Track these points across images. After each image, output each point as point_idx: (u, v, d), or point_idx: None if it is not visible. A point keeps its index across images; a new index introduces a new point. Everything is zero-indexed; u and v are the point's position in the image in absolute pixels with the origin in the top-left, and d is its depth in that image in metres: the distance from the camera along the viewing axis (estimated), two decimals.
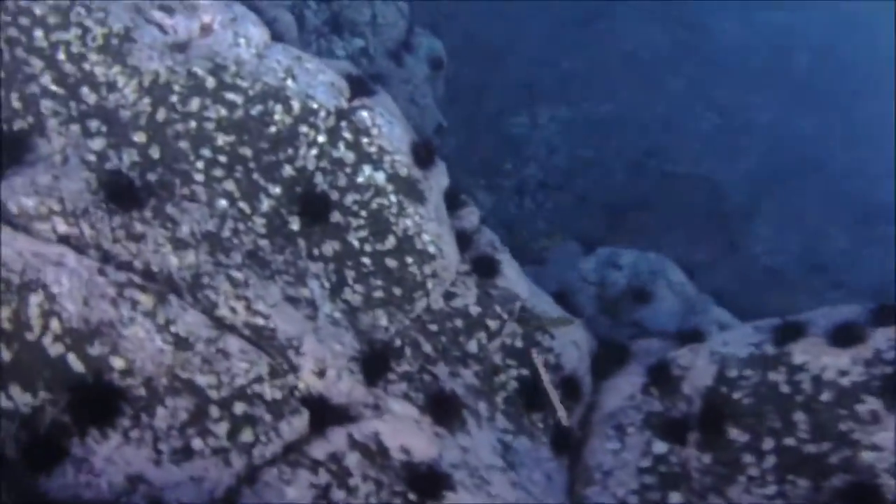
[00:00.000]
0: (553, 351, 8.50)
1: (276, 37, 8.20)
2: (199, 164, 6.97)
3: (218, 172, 7.05)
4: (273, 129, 7.48)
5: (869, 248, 22.90)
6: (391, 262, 7.75)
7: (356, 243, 7.63)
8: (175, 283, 6.34)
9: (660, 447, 7.41)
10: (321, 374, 6.61)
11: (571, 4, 30.24)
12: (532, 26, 29.46)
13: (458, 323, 8.10)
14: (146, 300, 6.02)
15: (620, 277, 12.92)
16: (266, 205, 7.24)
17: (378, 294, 7.55)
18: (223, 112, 7.22)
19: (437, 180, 8.51)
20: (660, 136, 25.76)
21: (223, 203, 6.96)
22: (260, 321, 6.53)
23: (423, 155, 8.29)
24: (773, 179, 24.98)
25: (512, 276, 8.85)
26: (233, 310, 6.46)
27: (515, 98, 27.04)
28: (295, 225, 7.36)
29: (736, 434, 6.99)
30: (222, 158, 7.10)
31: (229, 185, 7.06)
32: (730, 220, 22.95)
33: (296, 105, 7.65)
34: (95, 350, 5.74)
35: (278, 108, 7.54)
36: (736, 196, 23.68)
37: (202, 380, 6.03)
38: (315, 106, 7.76)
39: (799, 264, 22.05)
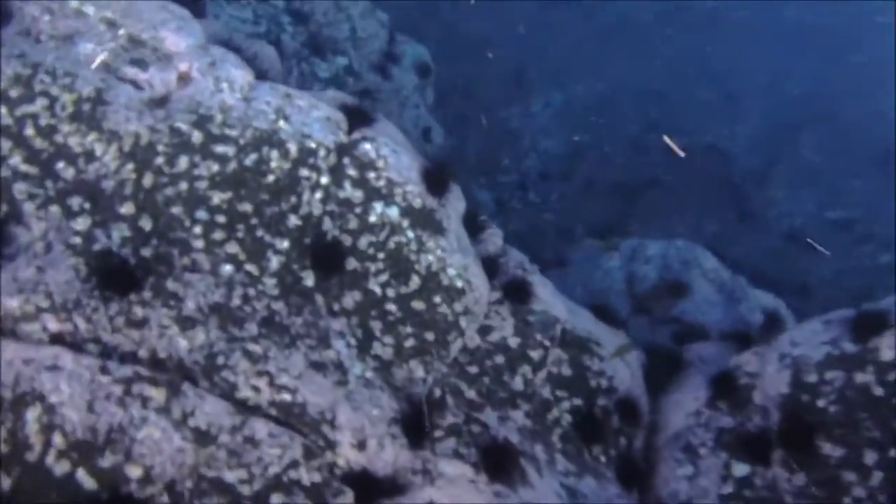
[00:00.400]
0: (604, 374, 7.82)
1: (261, 75, 7.49)
2: (197, 229, 6.28)
3: (218, 235, 6.37)
4: (271, 177, 6.79)
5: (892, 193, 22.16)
6: (418, 305, 7.07)
7: (378, 290, 6.95)
8: (187, 368, 5.67)
9: (740, 469, 6.74)
10: (361, 445, 5.94)
11: None
12: (513, 13, 28.70)
13: (499, 359, 7.42)
14: (158, 394, 5.35)
15: (650, 271, 12.23)
16: (275, 262, 6.56)
17: (409, 343, 6.87)
18: (215, 167, 6.53)
19: (454, 206, 7.82)
20: (657, 109, 25.02)
21: (228, 269, 6.28)
22: (286, 397, 5.86)
23: (435, 181, 7.59)
24: (780, 138, 24.23)
25: (547, 297, 8.17)
26: (255, 389, 5.79)
27: (505, 90, 26.32)
28: (309, 280, 6.68)
29: (829, 448, 6.29)
30: (221, 219, 6.42)
31: (232, 248, 6.38)
32: (742, 188, 22.24)
33: (292, 147, 6.95)
34: (107, 461, 5.07)
35: (274, 153, 6.85)
36: (744, 161, 22.95)
37: (231, 476, 5.36)
38: (313, 145, 7.06)
39: (820, 223, 21.35)
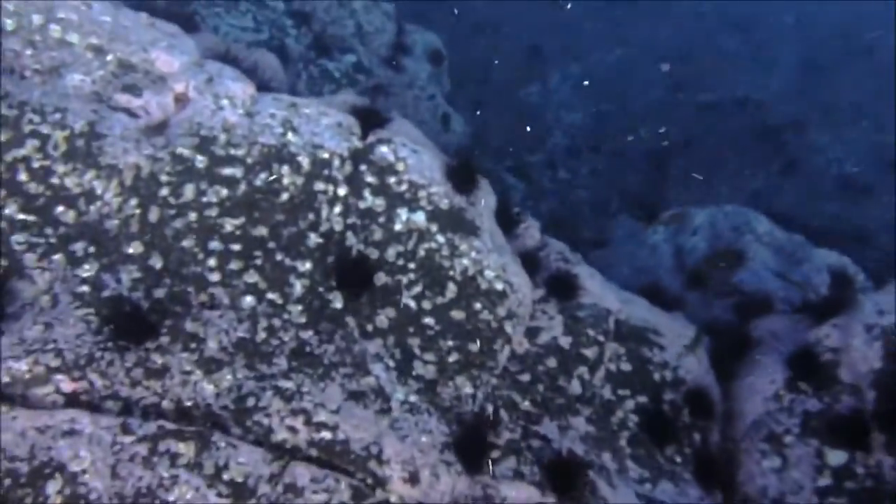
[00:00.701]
0: (668, 365, 7.18)
1: (263, 86, 6.98)
2: (212, 262, 5.80)
3: (235, 265, 5.88)
4: (285, 195, 6.27)
5: None
6: (458, 315, 6.51)
7: (412, 304, 6.40)
8: (216, 415, 5.20)
9: (836, 457, 6.07)
10: (414, 478, 5.42)
11: None
12: None
13: (552, 362, 6.83)
14: (186, 449, 4.89)
15: (699, 242, 11.48)
16: (299, 287, 6.05)
17: (453, 357, 6.32)
18: (224, 192, 6.04)
19: (485, 202, 7.22)
20: (683, 67, 23.96)
21: (250, 300, 5.79)
22: (326, 435, 5.36)
23: (461, 177, 7.01)
24: (816, 80, 23.02)
25: (595, 287, 7.54)
26: (292, 430, 5.30)
27: (521, 68, 25.53)
28: (338, 302, 6.16)
29: None
30: (236, 247, 5.93)
31: (252, 277, 5.89)
32: (781, 137, 21.13)
33: (304, 160, 6.42)
34: None
35: (285, 169, 6.33)
36: (782, 109, 21.81)
37: None
38: (326, 156, 6.53)
39: (871, 164, 20.18)
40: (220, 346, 5.45)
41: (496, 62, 25.45)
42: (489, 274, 6.73)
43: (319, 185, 6.45)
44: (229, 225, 5.96)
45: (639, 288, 9.06)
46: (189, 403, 5.15)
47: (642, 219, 14.32)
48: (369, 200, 6.59)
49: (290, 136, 6.46)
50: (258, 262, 5.97)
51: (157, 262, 5.68)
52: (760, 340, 7.65)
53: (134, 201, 5.82)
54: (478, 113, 22.62)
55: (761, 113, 21.66)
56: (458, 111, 19.21)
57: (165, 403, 5.14)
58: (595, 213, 20.04)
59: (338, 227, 6.43)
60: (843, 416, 6.18)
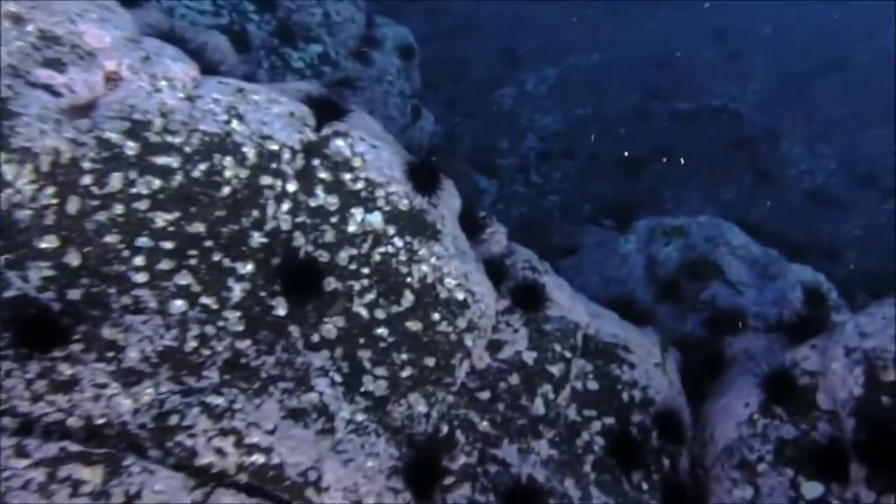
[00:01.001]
0: (637, 384, 6.73)
1: (210, 68, 6.38)
2: (139, 260, 5.19)
3: (165, 264, 5.27)
4: (227, 189, 5.68)
5: None
6: (414, 325, 5.98)
7: (364, 312, 5.86)
8: (132, 435, 4.60)
9: (812, 489, 5.67)
10: None
11: None
12: None
13: (514, 379, 6.33)
14: (92, 475, 4.28)
15: (671, 252, 11.10)
16: (238, 291, 5.46)
17: (406, 372, 5.79)
18: (157, 183, 5.42)
19: (448, 204, 6.71)
20: (659, 74, 23.73)
21: (180, 304, 5.19)
22: (259, 458, 4.79)
23: (423, 177, 6.48)
24: (791, 92, 22.96)
25: (563, 299, 7.06)
26: (219, 452, 4.72)
27: (497, 69, 25.13)
28: (281, 308, 5.58)
29: None
30: (168, 244, 5.32)
31: (184, 278, 5.29)
32: (755, 148, 20.98)
33: (250, 152, 5.84)
34: None
35: (228, 160, 5.74)
36: (756, 119, 21.68)
37: None
38: (275, 147, 5.95)
39: (843, 179, 20.12)
40: (142, 356, 4.85)
41: (471, 63, 25.01)
42: (450, 282, 6.22)
43: (266, 180, 5.87)
44: (161, 220, 5.35)
45: (609, 299, 8.63)
46: (101, 421, 4.54)
47: (614, 227, 13.92)
48: (321, 198, 6.03)
49: (235, 124, 5.86)
50: (192, 262, 5.37)
51: (73, 260, 5.05)
52: (734, 359, 7.25)
53: (51, 190, 5.17)
54: (457, 120, 22.15)
55: (736, 123, 21.51)
56: (431, 111, 18.69)
57: (72, 421, 4.53)
58: (566, 218, 19.68)
59: (285, 227, 5.86)
60: (821, 444, 5.78)
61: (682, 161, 20.02)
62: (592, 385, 6.60)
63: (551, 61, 25.16)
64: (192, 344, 5.09)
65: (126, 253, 5.17)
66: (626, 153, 20.85)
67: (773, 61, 24.12)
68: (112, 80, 5.62)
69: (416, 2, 25.81)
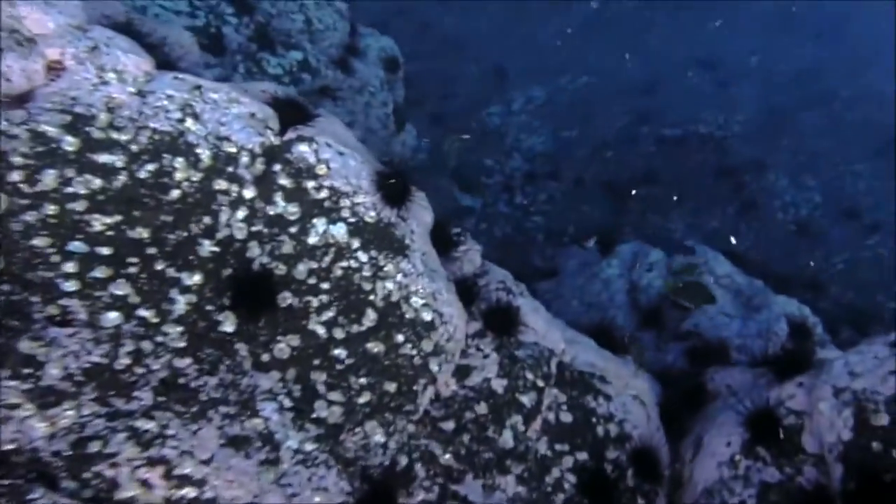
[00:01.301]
0: (613, 418, 6.30)
1: (168, 64, 5.96)
2: (69, 266, 4.71)
3: (101, 272, 4.79)
4: (176, 192, 5.23)
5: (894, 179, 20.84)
6: (375, 347, 5.53)
7: (321, 331, 5.40)
8: (44, 463, 4.09)
9: None
10: None
11: None
12: (488, 7, 27.31)
13: (482, 409, 5.89)
14: None
15: (655, 279, 10.75)
16: (182, 303, 4.99)
17: (364, 398, 5.33)
18: (97, 182, 4.96)
19: (419, 217, 6.29)
20: (647, 99, 23.60)
21: (114, 317, 4.71)
22: (190, 492, 4.30)
23: (393, 188, 6.06)
24: (777, 123, 22.87)
25: (538, 324, 6.65)
26: (145, 484, 4.22)
27: (484, 87, 24.92)
28: (229, 324, 5.12)
29: None
30: (105, 250, 4.85)
31: (121, 288, 4.81)
32: (740, 178, 20.82)
33: (204, 153, 5.40)
34: None
35: (179, 161, 5.29)
36: (742, 149, 21.55)
37: None
38: (232, 150, 5.52)
39: (827, 212, 19.95)
40: (64, 373, 4.36)
41: (459, 80, 24.79)
42: (416, 301, 5.79)
43: (221, 184, 5.42)
44: (99, 223, 4.88)
45: (589, 326, 8.23)
46: (9, 447, 4.04)
47: (595, 248, 13.57)
48: (281, 206, 5.59)
49: (189, 123, 5.43)
50: (132, 270, 4.90)
51: None
52: (716, 394, 6.85)
53: None
54: (442, 135, 21.83)
55: (722, 151, 21.38)
56: (416, 126, 18.36)
57: None
58: (550, 241, 19.34)
59: (239, 235, 5.40)
60: (806, 490, 5.38)
61: (672, 192, 19.80)
62: (566, 417, 6.17)
63: (539, 82, 24.99)
64: (125, 361, 4.61)
65: (56, 258, 4.69)
66: (611, 177, 20.66)
67: (760, 92, 24.10)
68: (54, 69, 5.17)
69: (407, 19, 25.63)
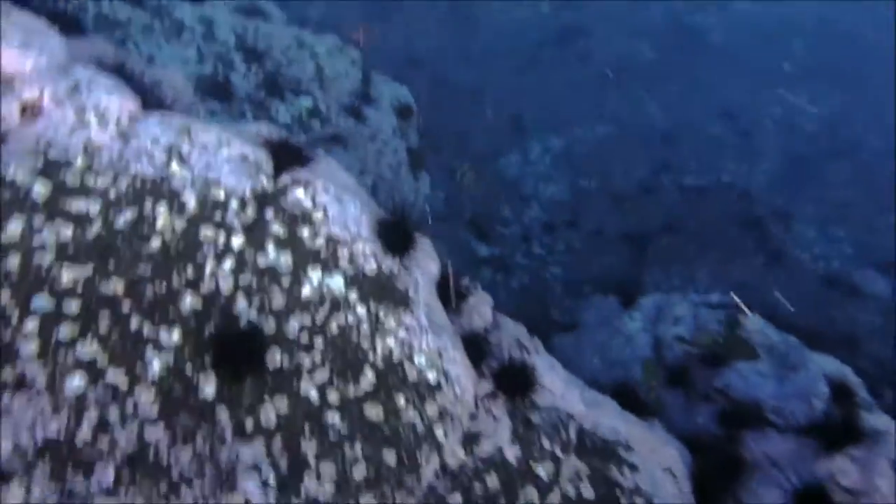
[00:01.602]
0: (641, 492, 5.64)
1: (159, 105, 5.60)
2: (31, 325, 4.25)
3: (67, 331, 4.32)
4: (156, 242, 4.79)
5: None
6: (374, 412, 4.98)
7: (314, 394, 4.87)
8: None
9: None
10: None
11: (542, 26, 28.20)
12: (504, 58, 27.34)
13: (493, 482, 5.26)
14: None
15: (682, 334, 10.09)
16: (157, 365, 4.49)
17: (360, 470, 4.75)
18: (68, 232, 4.54)
19: (424, 268, 5.80)
20: (667, 149, 23.23)
21: (79, 382, 4.22)
22: None
23: (396, 235, 5.60)
24: (802, 173, 22.33)
25: (556, 384, 6.06)
26: None
27: (501, 137, 24.73)
28: (209, 387, 4.60)
29: None
30: (73, 306, 4.39)
31: (89, 348, 4.33)
32: (766, 228, 20.19)
33: (190, 199, 4.98)
34: None
35: (162, 208, 4.88)
36: (766, 199, 20.98)
37: None
38: (221, 195, 5.10)
39: (857, 264, 19.20)
40: (14, 448, 3.85)
41: (475, 129, 24.64)
42: (420, 360, 5.26)
43: (207, 232, 4.98)
44: (68, 276, 4.44)
45: (611, 385, 7.62)
46: None
47: (620, 301, 12.94)
48: (272, 256, 5.14)
49: (175, 166, 5.03)
50: (103, 328, 4.42)
51: None
52: (755, 464, 6.15)
53: None
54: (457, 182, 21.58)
55: (746, 201, 20.82)
56: (432, 175, 18.06)
57: None
58: (568, 292, 18.75)
59: (225, 288, 4.93)
60: None
61: (695, 243, 19.22)
62: (587, 491, 5.51)
63: (556, 131, 24.76)
64: (86, 433, 4.09)
65: (16, 315, 4.23)
66: (632, 228, 20.15)
67: (783, 142, 23.66)
68: (30, 111, 4.83)
69: (423, 70, 25.71)
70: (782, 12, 28.19)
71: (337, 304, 5.16)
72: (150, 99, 5.58)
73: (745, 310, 10.30)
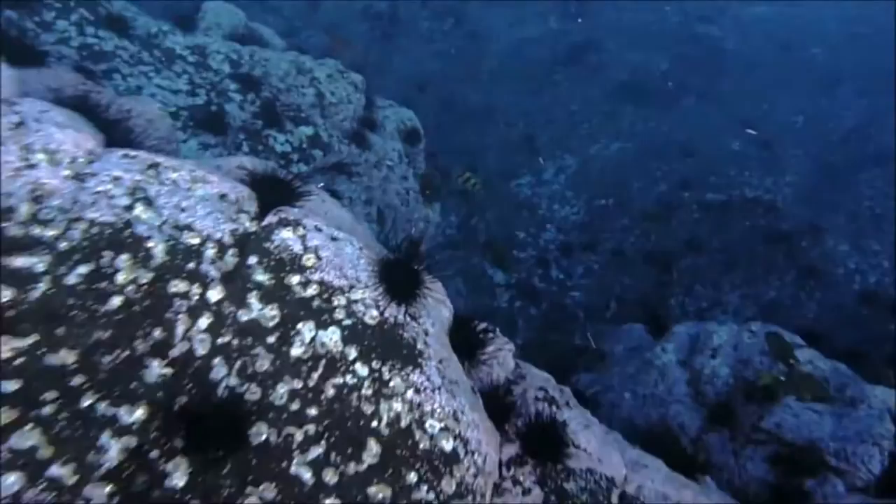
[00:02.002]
0: None
1: (122, 139, 4.91)
2: None
3: (2, 418, 3.57)
4: (117, 300, 4.05)
5: None
6: (379, 492, 4.18)
7: (307, 475, 4.08)
8: None
9: None
10: None
11: (552, 43, 27.61)
12: (514, 77, 26.75)
13: None
14: None
15: (720, 367, 9.21)
16: (115, 451, 3.73)
17: None
18: (6, 294, 3.81)
19: (435, 314, 5.02)
20: (685, 164, 22.39)
21: (12, 480, 3.45)
22: None
23: (401, 279, 4.83)
24: (830, 185, 21.38)
25: (591, 443, 5.22)
26: None
27: (513, 158, 24.05)
28: (179, 476, 3.82)
29: None
30: (10, 386, 3.64)
31: (28, 438, 3.57)
32: (795, 243, 19.22)
33: (157, 247, 4.25)
34: None
35: (123, 259, 4.14)
36: (795, 212, 20.03)
37: None
38: (195, 241, 4.37)
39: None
40: None
41: (487, 150, 23.97)
42: (433, 425, 4.46)
43: (178, 285, 4.24)
44: (7, 349, 3.70)
45: (648, 431, 6.76)
46: None
47: (648, 329, 12.08)
48: (256, 310, 4.38)
49: (139, 210, 4.31)
50: (47, 410, 3.67)
51: None
52: None
53: None
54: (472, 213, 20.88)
55: (773, 216, 19.91)
56: (443, 201, 17.37)
57: None
58: (591, 318, 17.88)
59: (201, 351, 4.18)
60: None
61: (720, 261, 18.31)
62: None
63: (570, 150, 24.04)
64: None
65: None
66: (653, 247, 19.30)
67: (808, 152, 22.74)
68: None
69: (430, 94, 25.17)
70: (798, 14, 27.45)
71: (333, 364, 4.39)
72: (116, 134, 4.90)
73: (794, 337, 9.41)
